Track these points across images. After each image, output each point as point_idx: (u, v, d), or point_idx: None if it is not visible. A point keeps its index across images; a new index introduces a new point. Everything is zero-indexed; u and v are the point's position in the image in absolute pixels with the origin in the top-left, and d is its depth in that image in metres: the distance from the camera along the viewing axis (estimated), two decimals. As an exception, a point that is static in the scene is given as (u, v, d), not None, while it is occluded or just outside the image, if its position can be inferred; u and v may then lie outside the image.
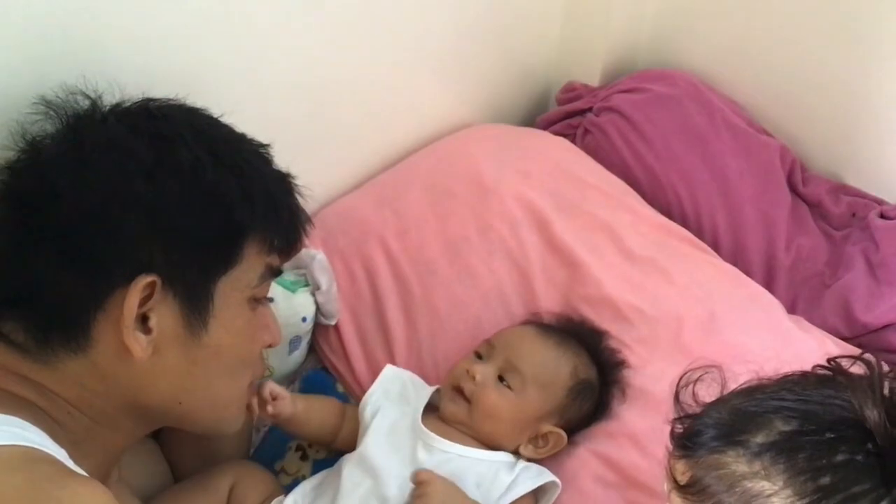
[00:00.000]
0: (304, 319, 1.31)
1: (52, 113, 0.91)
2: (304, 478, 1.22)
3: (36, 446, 0.77)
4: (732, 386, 0.79)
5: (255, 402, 1.10)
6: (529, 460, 1.14)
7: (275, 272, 1.00)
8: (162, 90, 0.97)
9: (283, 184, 1.00)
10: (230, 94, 1.03)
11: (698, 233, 1.43)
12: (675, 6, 1.62)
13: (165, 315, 0.88)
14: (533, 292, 1.30)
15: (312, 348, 1.38)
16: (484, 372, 1.13)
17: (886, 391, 0.69)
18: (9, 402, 0.83)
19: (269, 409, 1.12)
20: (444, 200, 1.38)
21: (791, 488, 0.68)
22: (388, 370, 1.22)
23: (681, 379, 0.83)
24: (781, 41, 1.53)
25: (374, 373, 1.27)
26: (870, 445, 0.68)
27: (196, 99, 0.98)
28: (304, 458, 1.27)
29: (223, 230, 0.91)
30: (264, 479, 1.16)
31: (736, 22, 1.57)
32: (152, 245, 0.86)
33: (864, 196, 1.51)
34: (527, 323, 1.23)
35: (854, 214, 1.49)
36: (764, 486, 0.69)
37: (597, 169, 1.47)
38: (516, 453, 1.14)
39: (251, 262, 0.94)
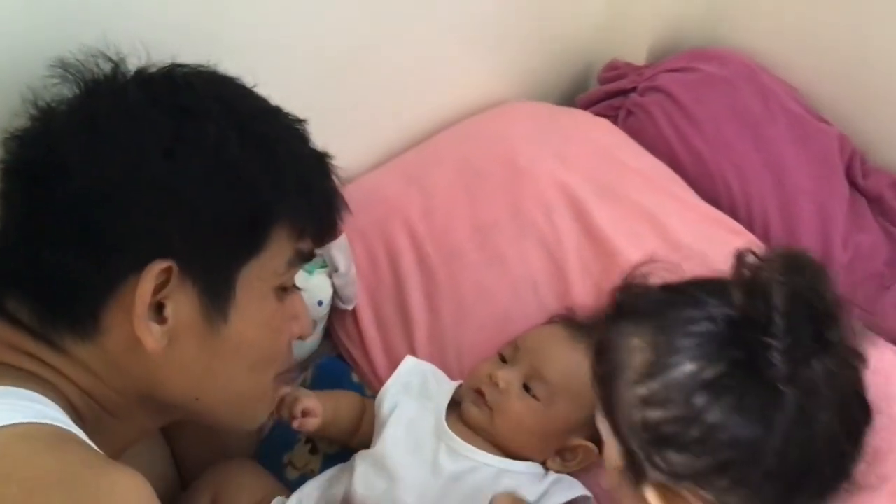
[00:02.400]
0: (319, 303, 1.24)
1: (69, 76, 0.84)
2: (312, 473, 1.15)
3: (64, 426, 0.72)
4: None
5: (283, 411, 1.04)
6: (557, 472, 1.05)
7: (305, 257, 0.92)
8: (187, 51, 0.88)
9: (318, 164, 0.91)
10: (251, 57, 0.94)
11: (748, 225, 1.33)
12: (730, -20, 1.53)
13: (182, 304, 0.80)
14: (567, 283, 1.22)
15: (328, 334, 1.31)
16: (508, 379, 1.04)
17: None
18: (25, 378, 0.77)
19: (296, 424, 1.05)
20: (474, 180, 1.30)
21: (649, 342, 0.74)
22: (409, 361, 1.15)
23: (632, 271, 0.84)
24: (844, 22, 1.42)
25: (392, 362, 1.21)
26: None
27: (217, 60, 0.89)
28: (314, 451, 1.19)
29: (248, 214, 0.83)
30: (254, 479, 1.08)
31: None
32: (169, 227, 0.79)
33: (929, 192, 1.40)
34: (557, 321, 1.13)
35: (918, 211, 1.38)
36: (635, 342, 0.75)
37: (640, 153, 1.38)
38: (544, 464, 1.06)
39: (278, 248, 0.86)
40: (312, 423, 1.05)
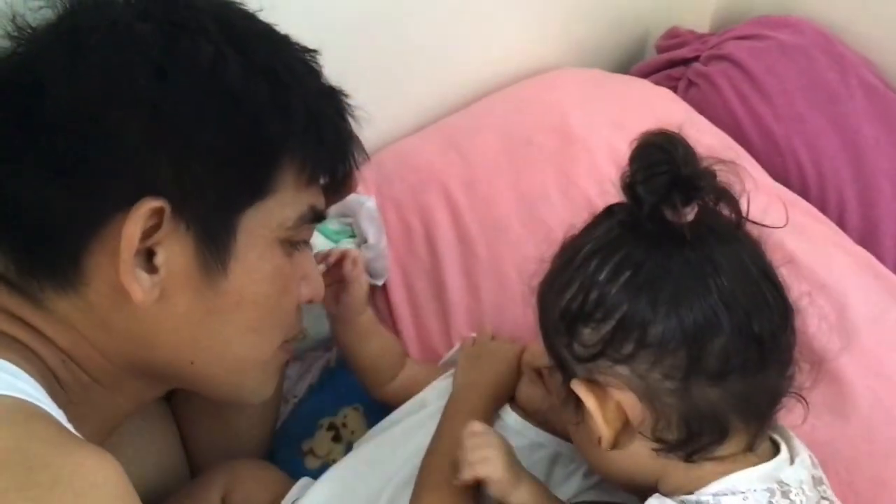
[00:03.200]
0: None
1: None
2: (334, 462, 1.04)
3: (30, 399, 0.64)
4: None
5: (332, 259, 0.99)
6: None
7: (318, 216, 0.83)
8: None
9: (330, 100, 0.82)
10: (279, 16, 0.83)
11: (822, 207, 1.24)
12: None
13: (175, 251, 0.72)
14: (620, 261, 1.11)
15: (355, 311, 1.20)
16: None
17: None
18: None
19: (347, 266, 0.99)
20: (521, 149, 1.20)
21: (559, 253, 0.81)
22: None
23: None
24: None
25: (424, 345, 1.14)
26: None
27: None
28: (336, 438, 1.10)
29: (250, 146, 0.74)
30: (267, 478, 0.99)
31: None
32: (159, 159, 0.71)
33: None
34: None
35: None
36: (554, 261, 0.81)
37: (706, 126, 1.29)
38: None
39: (287, 196, 0.78)
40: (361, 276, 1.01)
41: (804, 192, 1.26)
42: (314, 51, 0.82)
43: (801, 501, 0.73)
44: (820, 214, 1.20)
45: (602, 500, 0.89)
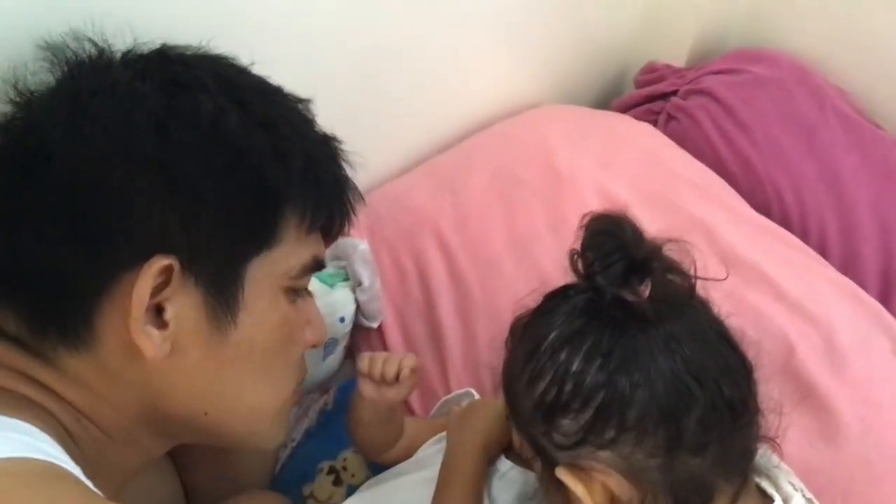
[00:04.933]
0: (341, 319, 1.16)
1: (55, 60, 0.76)
2: (336, 506, 1.05)
3: (54, 461, 0.64)
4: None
5: (378, 366, 0.95)
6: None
7: (319, 264, 0.84)
8: (185, 40, 0.81)
9: (325, 147, 0.84)
10: (269, 48, 0.85)
11: (803, 237, 1.25)
12: (775, -22, 1.46)
13: (185, 305, 0.73)
14: (613, 299, 1.12)
15: (350, 353, 1.21)
16: None
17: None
18: (12, 402, 0.69)
19: (405, 371, 0.95)
20: (510, 187, 1.22)
21: (525, 340, 0.79)
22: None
23: None
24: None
25: (423, 387, 1.13)
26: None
27: (225, 42, 0.82)
28: (337, 482, 1.09)
29: (254, 197, 0.75)
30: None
31: (844, -1, 1.40)
32: (167, 215, 0.71)
33: None
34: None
35: (981, 222, 1.29)
36: (516, 349, 0.80)
37: (687, 159, 1.31)
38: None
39: (290, 246, 0.79)
40: (415, 381, 0.97)
41: (786, 223, 1.27)
42: (307, 100, 0.84)
43: None
44: (802, 244, 1.21)
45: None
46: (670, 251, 0.76)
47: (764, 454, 0.81)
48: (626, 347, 0.74)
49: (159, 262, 0.70)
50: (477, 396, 1.08)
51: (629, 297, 0.74)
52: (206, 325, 0.74)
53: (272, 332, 0.79)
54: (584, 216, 0.77)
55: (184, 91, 0.74)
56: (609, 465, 0.74)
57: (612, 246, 0.74)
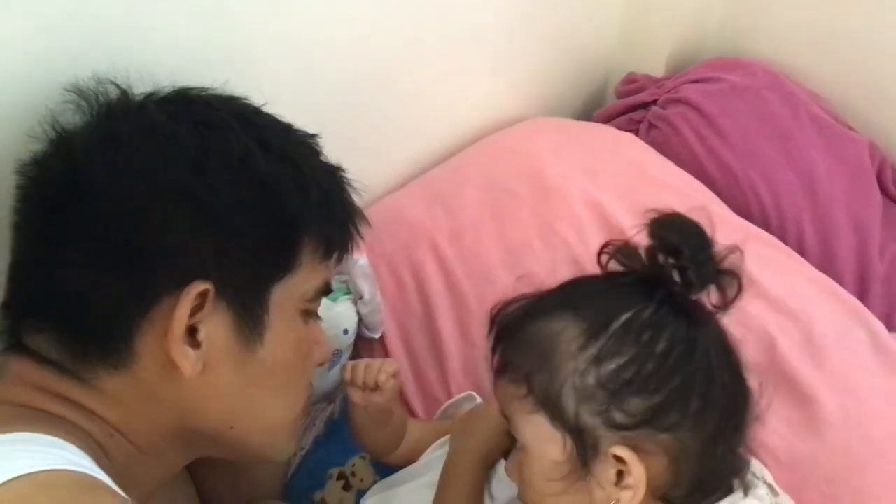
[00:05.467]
0: (345, 332, 1.19)
1: (82, 103, 0.81)
2: (347, 510, 1.10)
3: (89, 472, 0.68)
4: None
5: (359, 374, 0.99)
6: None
7: (329, 287, 0.91)
8: (198, 78, 0.86)
9: (334, 177, 0.89)
10: (269, 83, 0.94)
11: (782, 238, 1.30)
12: (749, -11, 1.50)
13: (217, 327, 0.78)
14: (603, 303, 1.16)
15: (354, 364, 1.24)
16: None
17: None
18: (48, 422, 0.73)
19: (382, 377, 0.99)
20: (502, 201, 1.26)
21: (574, 318, 0.79)
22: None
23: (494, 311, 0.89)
24: (865, 27, 1.41)
25: (425, 393, 1.17)
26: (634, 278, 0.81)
27: (233, 88, 0.88)
28: (346, 487, 1.14)
29: (278, 228, 0.81)
30: None
31: (815, 6, 1.45)
32: (203, 244, 0.76)
33: (960, 197, 1.37)
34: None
35: (952, 218, 1.35)
36: (555, 325, 0.80)
37: (670, 167, 1.35)
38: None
39: (307, 271, 0.84)
40: (395, 385, 1.00)
41: (765, 224, 1.31)
42: (315, 135, 0.89)
43: None
44: (781, 244, 1.26)
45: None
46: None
47: None
48: (703, 340, 0.78)
49: (199, 287, 0.74)
50: (478, 399, 1.11)
51: (711, 299, 0.78)
52: (235, 344, 0.79)
53: (291, 350, 0.84)
54: (648, 212, 0.81)
55: (214, 131, 0.79)
56: (663, 448, 0.77)
57: (705, 244, 0.78)
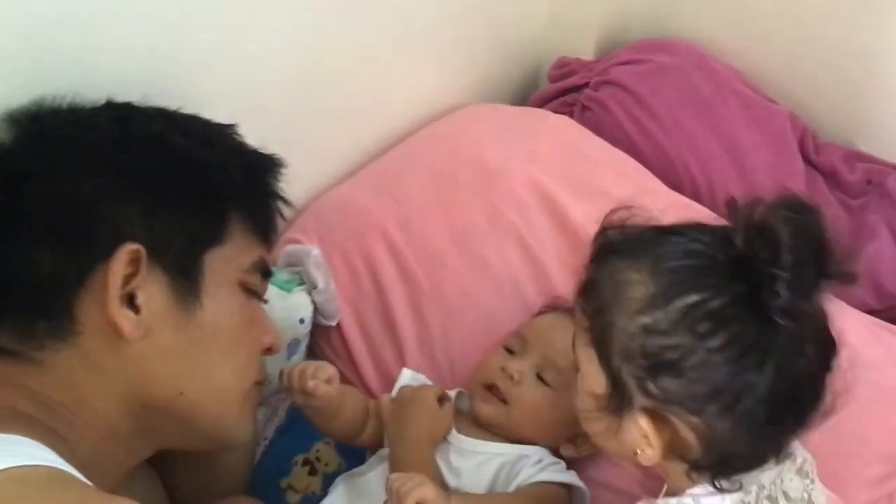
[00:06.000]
0: (301, 321, 1.22)
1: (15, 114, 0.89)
2: (314, 495, 1.13)
3: (56, 465, 0.71)
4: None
5: (302, 381, 1.01)
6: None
7: (267, 270, 0.96)
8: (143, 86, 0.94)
9: (259, 160, 0.97)
10: (210, 80, 1.04)
11: (713, 209, 1.31)
12: (669, -28, 1.55)
13: (154, 292, 0.83)
14: (549, 281, 1.22)
15: (312, 352, 1.27)
16: (521, 369, 1.04)
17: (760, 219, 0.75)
18: (10, 419, 0.76)
19: (312, 385, 1.01)
20: (448, 186, 1.29)
21: (650, 276, 0.77)
22: (406, 374, 1.13)
23: (607, 217, 0.88)
24: (784, 3, 1.47)
25: (383, 375, 1.20)
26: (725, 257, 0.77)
27: (174, 87, 0.96)
28: (312, 472, 1.17)
29: (203, 197, 0.88)
30: None
31: (733, -15, 1.51)
32: (131, 212, 0.83)
33: (878, 162, 1.45)
34: (557, 310, 1.12)
35: (870, 182, 1.43)
36: (632, 276, 0.79)
37: (605, 146, 1.39)
38: (556, 452, 1.07)
39: (239, 244, 0.91)
40: (327, 390, 1.02)
41: (696, 196, 1.37)
42: (234, 125, 0.96)
43: (767, 495, 0.81)
44: (714, 215, 1.23)
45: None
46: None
47: None
48: (764, 345, 0.74)
49: (129, 247, 0.80)
50: (417, 378, 1.13)
51: (802, 306, 0.72)
52: (175, 307, 0.84)
53: (233, 316, 0.89)
54: (782, 197, 0.75)
55: (133, 119, 0.89)
56: (691, 427, 0.76)
57: (811, 246, 0.72)
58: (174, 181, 0.86)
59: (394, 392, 1.11)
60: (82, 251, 0.81)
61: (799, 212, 0.74)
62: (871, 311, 1.26)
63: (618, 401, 0.79)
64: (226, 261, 0.89)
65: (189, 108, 0.95)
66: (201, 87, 1.02)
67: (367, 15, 1.28)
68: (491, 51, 1.57)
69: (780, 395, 0.75)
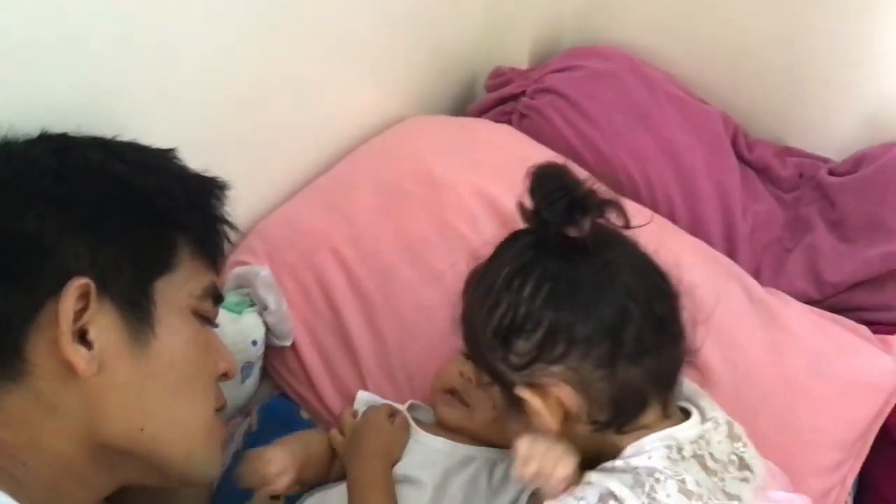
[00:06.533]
0: (254, 343, 1.21)
1: None
2: (277, 518, 1.11)
3: None
4: None
5: (253, 479, 1.00)
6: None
7: (218, 295, 0.94)
8: (84, 111, 0.94)
9: (202, 184, 0.96)
10: (144, 106, 1.04)
11: (653, 208, 1.36)
12: (598, -20, 1.58)
13: (106, 325, 0.81)
14: (501, 288, 1.22)
15: (266, 374, 1.27)
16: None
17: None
18: None
19: (269, 490, 1.01)
20: (395, 200, 1.29)
21: (480, 284, 0.90)
22: (361, 397, 1.14)
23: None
24: (709, 6, 1.50)
25: (342, 393, 1.20)
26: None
27: (108, 117, 0.96)
28: (275, 497, 1.14)
29: (148, 225, 0.87)
30: None
31: (660, -8, 1.54)
32: (76, 245, 0.81)
33: (808, 156, 1.49)
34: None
35: (801, 175, 1.47)
36: (477, 292, 0.91)
37: (545, 152, 1.39)
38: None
39: (189, 270, 0.90)
40: (284, 482, 1.01)
41: (636, 197, 1.37)
42: (174, 149, 0.96)
43: (693, 453, 0.86)
44: (658, 216, 1.32)
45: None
46: (603, 191, 0.86)
47: (688, 385, 0.94)
48: (571, 274, 0.85)
49: (77, 282, 0.78)
50: (374, 399, 1.15)
51: (572, 232, 0.83)
52: (128, 339, 0.82)
53: (187, 344, 0.88)
54: (529, 168, 0.86)
55: (71, 150, 0.87)
56: (560, 378, 0.85)
57: (555, 186, 0.84)
58: (118, 210, 0.85)
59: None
60: (29, 289, 0.79)
61: (539, 168, 0.87)
62: (811, 302, 1.30)
63: (507, 394, 0.88)
64: (176, 288, 0.88)
65: (125, 137, 0.95)
66: (135, 114, 1.01)
67: (301, 33, 1.28)
68: (428, 63, 1.58)
69: (617, 323, 0.84)
